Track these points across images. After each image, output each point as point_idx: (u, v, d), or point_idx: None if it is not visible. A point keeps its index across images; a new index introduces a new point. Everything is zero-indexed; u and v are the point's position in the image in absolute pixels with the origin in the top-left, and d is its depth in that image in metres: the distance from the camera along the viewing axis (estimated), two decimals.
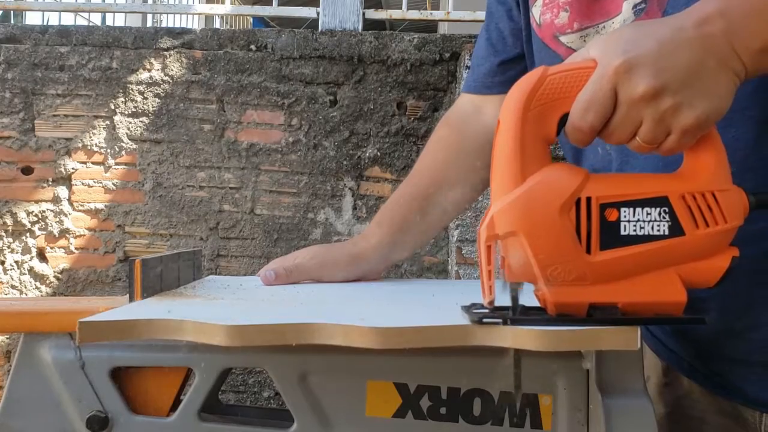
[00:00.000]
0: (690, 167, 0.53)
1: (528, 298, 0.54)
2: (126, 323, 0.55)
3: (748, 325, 0.65)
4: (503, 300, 0.53)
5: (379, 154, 1.89)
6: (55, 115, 1.92)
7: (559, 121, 0.51)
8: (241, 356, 0.65)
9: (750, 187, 0.62)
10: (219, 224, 1.91)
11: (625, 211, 0.51)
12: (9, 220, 1.93)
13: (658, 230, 0.51)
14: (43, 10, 2.64)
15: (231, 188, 1.90)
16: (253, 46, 1.89)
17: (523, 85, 0.51)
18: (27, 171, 1.93)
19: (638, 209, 0.51)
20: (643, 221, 0.51)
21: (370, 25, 1.97)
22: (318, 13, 1.93)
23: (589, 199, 0.50)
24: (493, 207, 0.52)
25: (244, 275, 1.83)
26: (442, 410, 0.63)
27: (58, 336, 0.66)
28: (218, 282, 0.83)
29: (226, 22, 4.71)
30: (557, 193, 0.50)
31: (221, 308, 0.63)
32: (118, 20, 3.61)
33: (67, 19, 2.90)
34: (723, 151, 0.53)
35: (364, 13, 1.93)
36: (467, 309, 0.55)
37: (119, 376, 0.66)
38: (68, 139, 1.92)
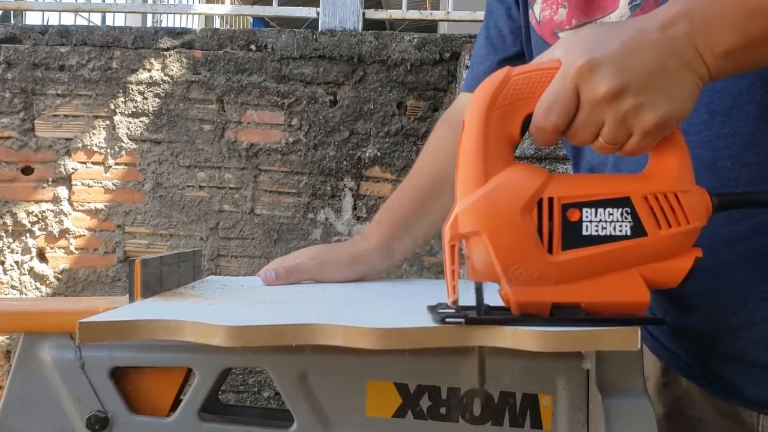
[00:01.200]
0: (654, 168, 0.53)
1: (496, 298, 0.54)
2: (126, 323, 0.55)
3: (742, 323, 0.65)
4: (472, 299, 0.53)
5: (379, 154, 1.88)
6: (55, 115, 1.92)
7: (523, 122, 0.51)
8: (241, 356, 0.65)
9: (745, 183, 0.62)
10: (219, 224, 1.91)
11: (587, 212, 0.51)
12: (9, 221, 1.93)
13: (620, 231, 0.51)
14: (43, 10, 2.64)
15: (231, 188, 1.90)
16: (253, 46, 1.89)
17: (487, 85, 0.52)
18: (27, 171, 1.93)
19: (600, 210, 0.51)
20: (605, 221, 0.51)
21: (370, 25, 1.97)
22: (318, 13, 1.93)
23: (551, 200, 0.51)
24: (457, 207, 0.52)
25: (244, 275, 1.83)
26: (442, 410, 0.63)
27: (57, 336, 0.66)
28: (218, 282, 0.83)
29: (226, 22, 4.71)
30: (519, 193, 0.50)
31: (221, 308, 0.63)
32: (118, 20, 3.61)
33: (67, 19, 2.90)
34: (687, 152, 0.53)
35: (364, 13, 1.93)
36: (432, 309, 0.56)
37: (119, 376, 0.66)
38: (68, 139, 1.92)
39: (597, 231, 0.51)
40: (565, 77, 0.49)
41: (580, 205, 0.51)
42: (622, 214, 0.51)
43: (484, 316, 0.53)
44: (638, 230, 0.51)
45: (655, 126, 0.49)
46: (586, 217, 0.51)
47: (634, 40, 0.49)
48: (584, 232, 0.51)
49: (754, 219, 0.62)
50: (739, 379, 0.69)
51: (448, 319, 0.52)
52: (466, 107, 0.52)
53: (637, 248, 0.51)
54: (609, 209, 0.51)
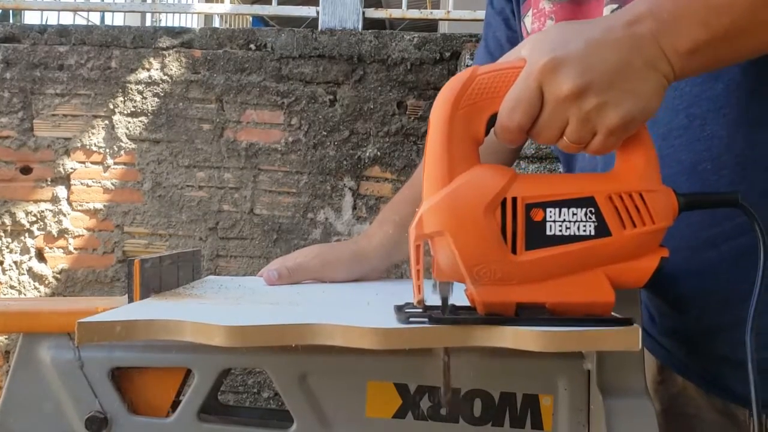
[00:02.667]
0: (620, 168, 0.53)
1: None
2: (125, 324, 0.54)
3: (730, 322, 0.66)
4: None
5: (379, 153, 1.88)
6: (53, 115, 1.92)
7: (488, 121, 0.51)
8: (240, 357, 0.65)
9: (725, 185, 0.62)
10: (218, 224, 1.91)
11: (550, 211, 0.51)
12: (8, 220, 1.92)
13: (584, 230, 0.51)
14: (42, 10, 2.64)
15: (230, 188, 1.90)
16: (252, 46, 1.89)
17: (452, 85, 0.51)
18: (26, 171, 1.93)
19: (564, 209, 0.51)
20: (569, 221, 0.51)
21: (370, 24, 1.96)
22: (318, 12, 1.93)
23: (514, 200, 0.51)
24: (422, 207, 0.52)
25: (244, 275, 1.82)
26: (443, 411, 0.63)
27: (57, 336, 0.66)
28: (217, 282, 0.83)
29: (226, 21, 4.71)
30: (482, 193, 0.50)
31: (220, 308, 0.63)
32: (117, 20, 3.60)
33: (66, 19, 2.90)
34: (653, 152, 0.53)
35: (363, 12, 1.93)
36: (399, 309, 0.55)
37: (118, 376, 0.66)
38: (67, 139, 1.92)
39: (561, 231, 0.51)
40: (528, 76, 0.49)
41: (543, 205, 0.51)
42: (586, 214, 0.51)
43: (449, 315, 0.53)
44: (602, 230, 0.51)
45: (619, 125, 0.49)
46: (550, 216, 0.51)
47: (598, 39, 0.49)
48: (548, 232, 0.51)
49: (735, 219, 0.62)
50: (730, 377, 0.69)
51: (412, 319, 0.53)
52: None
53: (601, 248, 0.51)
54: (573, 209, 0.51)
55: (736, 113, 0.61)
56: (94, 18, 3.82)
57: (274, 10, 2.08)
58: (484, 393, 0.63)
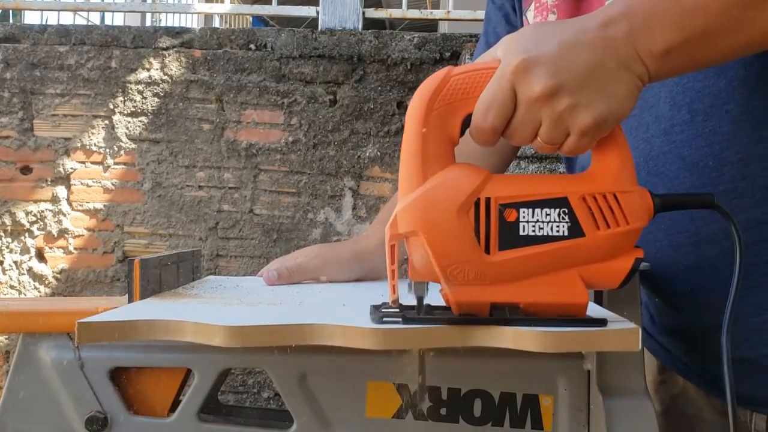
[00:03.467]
0: (594, 169, 0.53)
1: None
2: (125, 324, 0.54)
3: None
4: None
5: (379, 153, 1.88)
6: (54, 115, 1.92)
7: (463, 122, 0.51)
8: (240, 357, 0.65)
9: (727, 181, 0.62)
10: (218, 224, 1.91)
11: (524, 212, 0.51)
12: (8, 220, 1.92)
13: (558, 231, 0.51)
14: (42, 10, 2.64)
15: (230, 188, 1.90)
16: (252, 46, 1.89)
17: (427, 85, 0.51)
18: (26, 171, 1.93)
19: (537, 210, 0.51)
20: (542, 222, 0.51)
21: (370, 24, 1.96)
22: (318, 12, 1.93)
23: (488, 200, 0.51)
24: (397, 206, 0.52)
25: (244, 275, 1.82)
26: (443, 411, 0.63)
27: (57, 336, 0.66)
28: (217, 282, 0.83)
29: (226, 21, 4.71)
30: (456, 193, 0.50)
31: (220, 309, 0.63)
32: (117, 19, 3.60)
33: (66, 19, 2.90)
34: (628, 153, 0.53)
35: (363, 12, 1.93)
36: (375, 308, 0.56)
37: (118, 376, 0.66)
38: (67, 139, 1.92)
39: (534, 231, 0.51)
40: (501, 77, 0.49)
41: (517, 206, 0.51)
42: (559, 215, 0.51)
43: (423, 315, 0.53)
44: (576, 231, 0.51)
45: (592, 125, 0.49)
46: (523, 217, 0.51)
47: (571, 40, 0.49)
48: (521, 233, 0.51)
49: (737, 216, 0.62)
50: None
51: (386, 319, 0.53)
52: None
53: (574, 249, 0.51)
54: (546, 209, 0.51)
55: (738, 110, 0.61)
56: (94, 18, 3.82)
57: (274, 10, 2.08)
58: (484, 393, 0.63)
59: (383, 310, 0.54)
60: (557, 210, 0.51)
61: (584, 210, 0.51)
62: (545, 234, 0.51)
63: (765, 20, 0.50)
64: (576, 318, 0.52)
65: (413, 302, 0.54)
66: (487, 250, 0.51)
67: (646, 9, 0.50)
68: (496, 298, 0.52)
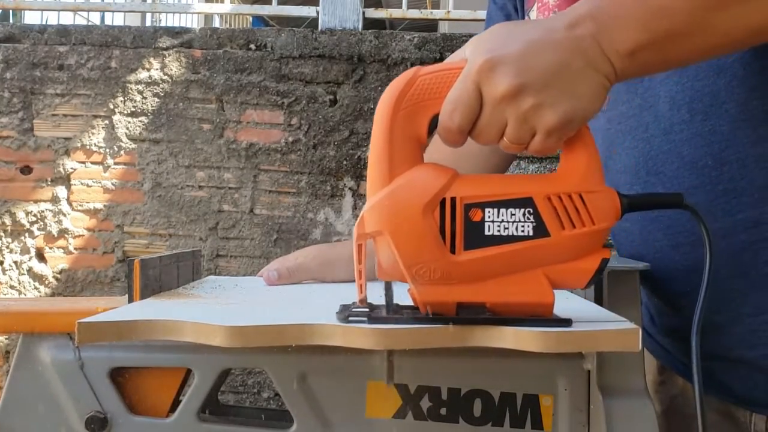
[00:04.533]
0: (562, 169, 0.53)
1: None
2: (125, 324, 0.54)
3: (727, 320, 0.66)
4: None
5: None
6: (54, 115, 1.92)
7: (430, 122, 0.52)
8: (240, 357, 0.65)
9: (726, 180, 0.62)
10: (218, 224, 1.91)
11: (489, 212, 0.51)
12: (8, 220, 1.92)
13: (523, 231, 0.51)
14: (42, 9, 2.64)
15: (230, 188, 1.90)
16: (252, 46, 1.89)
17: (394, 85, 0.52)
18: (26, 171, 1.93)
19: (502, 210, 0.51)
20: (508, 222, 0.51)
21: (370, 24, 1.96)
22: (318, 12, 1.93)
23: (453, 200, 0.51)
24: (365, 206, 0.52)
25: (244, 275, 1.82)
26: (443, 411, 0.62)
27: (56, 336, 0.66)
28: (217, 282, 0.83)
29: (226, 21, 4.71)
30: (421, 193, 0.50)
31: (220, 309, 0.63)
32: (117, 19, 3.60)
33: (66, 19, 2.90)
34: (595, 153, 0.53)
35: (364, 12, 1.93)
36: (345, 307, 0.56)
37: (118, 376, 0.66)
38: (67, 139, 1.92)
39: (499, 231, 0.51)
40: (467, 77, 0.50)
41: (482, 205, 0.51)
42: (524, 215, 0.51)
43: (391, 315, 0.53)
44: (541, 231, 0.51)
45: (557, 125, 0.49)
46: (489, 217, 0.51)
47: (537, 40, 0.49)
48: (486, 232, 0.51)
49: (735, 216, 0.62)
50: (728, 377, 0.69)
51: (351, 318, 0.53)
52: None
53: (540, 249, 0.51)
54: (511, 209, 0.51)
55: (737, 109, 0.61)
56: (94, 18, 3.82)
57: (274, 10, 2.08)
58: (484, 393, 0.63)
59: (353, 309, 0.55)
60: (522, 210, 0.51)
61: (549, 210, 0.51)
62: (510, 234, 0.51)
63: (730, 23, 0.50)
64: (542, 318, 0.52)
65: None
66: (453, 250, 0.51)
67: (613, 9, 0.50)
68: (462, 298, 0.52)
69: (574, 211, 0.51)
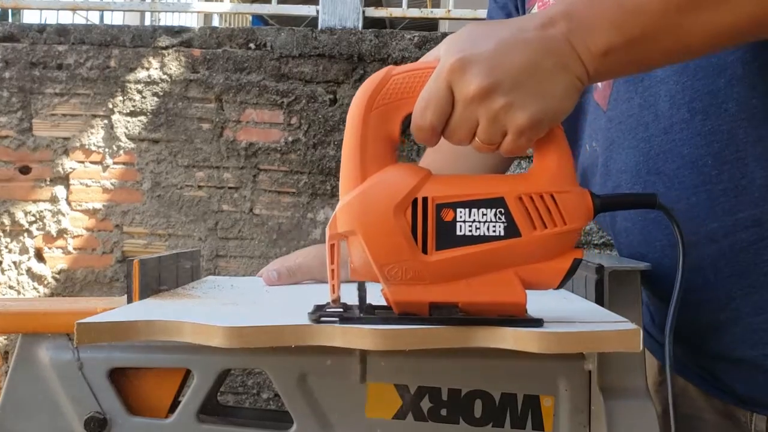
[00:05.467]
0: (534, 169, 0.53)
1: None
2: (124, 324, 0.54)
3: (728, 319, 0.65)
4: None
5: None
6: (53, 114, 1.92)
7: (403, 121, 0.52)
8: (239, 357, 0.65)
9: (726, 179, 0.62)
10: (218, 224, 1.91)
11: (461, 212, 0.51)
12: (6, 220, 1.92)
13: (494, 231, 0.51)
14: (41, 9, 2.64)
15: (230, 188, 1.90)
16: (252, 45, 1.89)
17: (366, 85, 0.52)
18: (25, 170, 1.93)
19: (474, 210, 0.51)
20: (479, 222, 0.51)
21: (370, 23, 1.96)
22: (318, 11, 1.92)
23: (425, 200, 0.51)
24: (337, 206, 0.52)
25: (243, 276, 1.82)
26: (443, 412, 0.62)
27: (55, 337, 0.66)
28: (217, 282, 0.83)
29: (225, 21, 4.70)
30: (393, 193, 0.51)
31: (220, 309, 0.63)
32: (117, 19, 3.60)
33: (65, 18, 2.90)
34: (567, 153, 0.53)
35: (364, 11, 1.92)
36: (319, 308, 0.56)
37: (117, 377, 0.66)
38: (66, 139, 1.91)
39: (471, 231, 0.51)
40: (438, 76, 0.49)
41: (454, 205, 0.51)
42: (495, 215, 0.51)
43: (363, 315, 0.53)
44: (512, 231, 0.51)
45: (528, 125, 0.49)
46: (460, 217, 0.51)
47: (509, 39, 0.49)
48: (458, 232, 0.51)
49: (736, 215, 0.62)
50: (729, 377, 0.69)
51: (323, 318, 0.53)
52: None
53: (511, 249, 0.51)
54: (483, 209, 0.51)
55: (737, 108, 0.61)
56: (94, 17, 3.82)
57: (273, 9, 2.08)
58: (484, 394, 0.62)
59: (327, 309, 0.55)
60: (494, 210, 0.51)
61: (521, 210, 0.51)
62: (482, 234, 0.51)
63: (703, 24, 0.50)
64: (514, 318, 0.52)
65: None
66: (425, 250, 0.51)
67: (587, 10, 0.50)
68: (434, 298, 0.52)
69: (546, 211, 0.51)
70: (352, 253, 0.52)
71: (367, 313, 0.54)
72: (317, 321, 0.53)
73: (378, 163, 0.52)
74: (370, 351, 0.60)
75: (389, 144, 0.52)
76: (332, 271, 0.53)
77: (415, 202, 0.51)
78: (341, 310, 0.54)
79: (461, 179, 0.54)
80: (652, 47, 0.51)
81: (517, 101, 0.49)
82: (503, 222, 0.51)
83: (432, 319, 0.52)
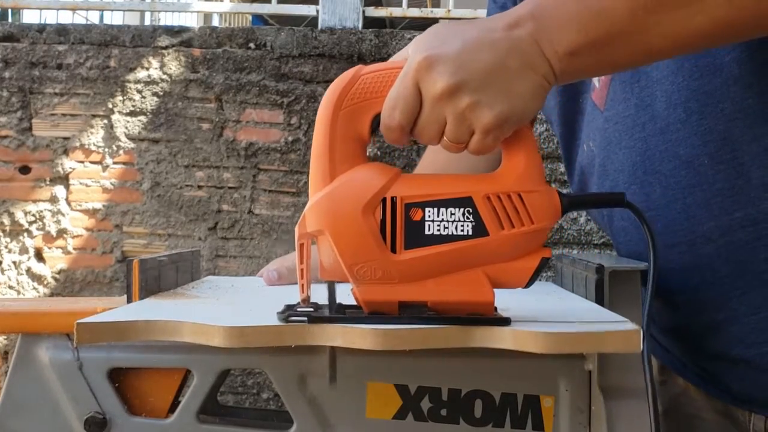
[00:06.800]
0: (503, 168, 0.53)
1: None
2: (124, 324, 0.54)
3: (726, 318, 0.65)
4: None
5: (379, 153, 1.88)
6: (52, 114, 1.91)
7: (372, 121, 0.52)
8: (239, 357, 0.65)
9: (722, 179, 0.62)
10: (217, 224, 1.91)
11: (429, 211, 0.51)
12: (6, 220, 1.92)
13: (462, 230, 0.51)
14: (41, 9, 2.63)
15: (230, 188, 1.90)
16: (252, 45, 1.89)
17: (335, 84, 0.52)
18: (24, 170, 1.93)
19: (442, 209, 0.51)
20: (447, 221, 0.51)
21: (370, 23, 1.96)
22: (317, 11, 1.92)
23: (394, 199, 0.51)
24: (307, 206, 0.53)
25: (243, 276, 1.82)
26: (443, 412, 0.62)
27: (55, 337, 0.65)
28: (217, 282, 0.83)
29: (225, 20, 4.70)
30: (361, 192, 0.51)
31: (220, 309, 0.63)
32: (117, 19, 3.60)
33: (65, 18, 2.89)
34: (534, 152, 0.53)
35: (364, 11, 1.92)
36: (288, 307, 0.56)
37: (117, 377, 0.65)
38: (66, 139, 1.91)
39: (439, 230, 0.51)
40: (406, 75, 0.50)
41: (423, 205, 0.51)
42: (463, 214, 0.51)
43: (333, 314, 0.53)
44: (480, 230, 0.51)
45: (493, 124, 0.49)
46: (429, 216, 0.51)
47: (476, 39, 0.49)
48: (427, 232, 0.51)
49: (733, 214, 0.62)
50: (727, 377, 0.69)
51: (292, 318, 0.53)
52: None
53: (479, 248, 0.51)
54: (451, 209, 0.51)
55: (733, 108, 0.61)
56: (93, 17, 3.81)
57: (273, 8, 2.08)
58: (484, 394, 0.62)
59: (299, 309, 0.55)
60: (462, 209, 0.51)
61: (488, 209, 0.51)
62: (450, 233, 0.51)
63: (670, 26, 0.50)
64: (482, 317, 0.52)
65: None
66: (393, 249, 0.51)
67: (554, 10, 0.50)
68: (403, 297, 0.52)
69: (513, 211, 0.51)
70: (321, 252, 0.53)
71: (338, 313, 0.54)
72: (286, 320, 0.53)
73: (347, 163, 0.52)
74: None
75: (359, 144, 0.52)
76: (302, 270, 0.53)
77: (384, 201, 0.51)
78: (312, 309, 0.54)
79: (431, 179, 0.54)
80: (619, 48, 0.51)
81: (483, 100, 0.49)
82: (471, 221, 0.51)
83: (401, 319, 0.52)
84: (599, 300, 0.63)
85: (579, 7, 0.50)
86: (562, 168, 1.68)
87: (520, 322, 0.53)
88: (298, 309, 0.55)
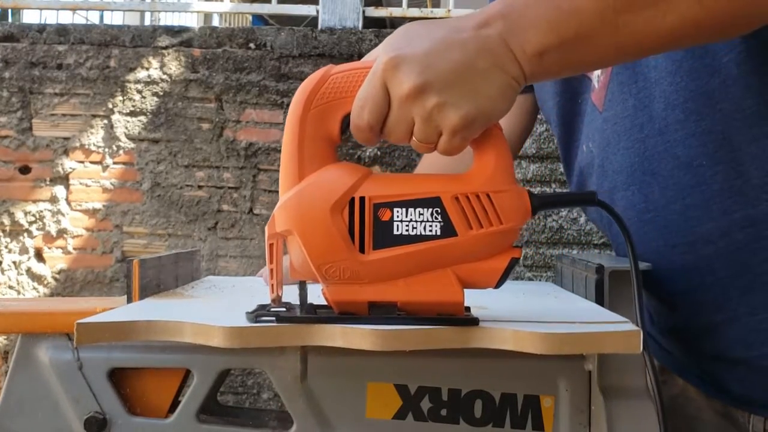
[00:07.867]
0: (473, 168, 0.53)
1: None
2: (124, 324, 0.54)
3: (725, 319, 0.65)
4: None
5: (379, 153, 1.88)
6: (52, 114, 1.91)
7: (342, 120, 0.52)
8: (239, 357, 0.65)
9: (721, 180, 0.62)
10: (217, 224, 1.91)
11: (398, 211, 0.51)
12: (6, 220, 1.92)
13: (431, 230, 0.51)
14: (41, 9, 2.63)
15: (230, 188, 1.90)
16: (252, 45, 1.89)
17: (305, 84, 0.52)
18: (24, 170, 1.93)
19: (411, 209, 0.51)
20: (416, 221, 0.51)
21: (370, 23, 1.96)
22: (318, 11, 1.92)
23: (362, 199, 0.51)
24: (276, 206, 0.52)
25: (243, 276, 1.82)
26: (443, 412, 0.62)
27: (55, 337, 0.65)
28: (217, 282, 0.83)
29: (225, 20, 4.70)
30: (330, 192, 0.51)
31: (219, 309, 0.63)
32: (116, 18, 3.60)
33: (65, 18, 2.90)
34: (505, 152, 0.53)
35: (364, 11, 1.92)
36: (260, 307, 0.56)
37: (117, 377, 0.65)
38: (66, 139, 1.91)
39: (408, 230, 0.51)
40: (374, 75, 0.50)
41: (391, 205, 0.51)
42: (432, 214, 0.51)
43: (303, 315, 0.53)
44: (448, 230, 0.51)
45: (461, 125, 0.49)
46: (397, 216, 0.51)
47: (444, 39, 0.49)
48: (395, 232, 0.51)
49: (732, 215, 0.62)
50: (726, 378, 0.69)
51: (261, 318, 0.53)
52: None
53: (448, 248, 0.51)
54: (420, 209, 0.51)
55: (731, 109, 0.61)
56: (93, 17, 3.82)
57: (273, 8, 2.08)
58: (484, 394, 0.62)
59: (272, 309, 0.55)
60: (430, 210, 0.51)
61: (457, 210, 0.51)
62: (419, 233, 0.51)
63: (639, 26, 0.50)
64: (450, 317, 0.52)
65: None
66: (362, 250, 0.51)
67: (523, 10, 0.50)
68: (373, 297, 0.52)
69: (482, 211, 0.51)
70: (291, 252, 0.52)
71: (308, 313, 0.54)
72: (255, 320, 0.53)
73: (317, 163, 0.52)
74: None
75: (328, 143, 0.52)
76: (272, 270, 0.53)
77: (352, 201, 0.51)
78: (284, 309, 0.54)
79: (401, 179, 0.54)
80: (588, 48, 0.51)
81: (450, 101, 0.48)
82: (440, 222, 0.51)
83: (371, 319, 0.52)
84: (599, 300, 0.63)
85: (548, 7, 0.50)
86: (561, 168, 1.67)
87: (520, 323, 0.53)
88: (270, 309, 0.54)
